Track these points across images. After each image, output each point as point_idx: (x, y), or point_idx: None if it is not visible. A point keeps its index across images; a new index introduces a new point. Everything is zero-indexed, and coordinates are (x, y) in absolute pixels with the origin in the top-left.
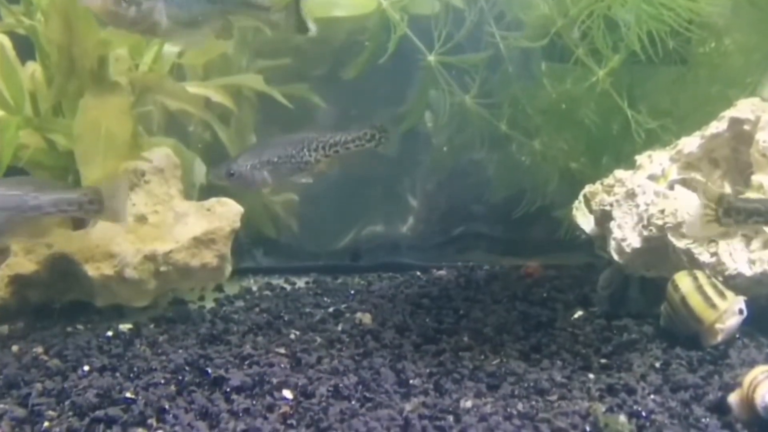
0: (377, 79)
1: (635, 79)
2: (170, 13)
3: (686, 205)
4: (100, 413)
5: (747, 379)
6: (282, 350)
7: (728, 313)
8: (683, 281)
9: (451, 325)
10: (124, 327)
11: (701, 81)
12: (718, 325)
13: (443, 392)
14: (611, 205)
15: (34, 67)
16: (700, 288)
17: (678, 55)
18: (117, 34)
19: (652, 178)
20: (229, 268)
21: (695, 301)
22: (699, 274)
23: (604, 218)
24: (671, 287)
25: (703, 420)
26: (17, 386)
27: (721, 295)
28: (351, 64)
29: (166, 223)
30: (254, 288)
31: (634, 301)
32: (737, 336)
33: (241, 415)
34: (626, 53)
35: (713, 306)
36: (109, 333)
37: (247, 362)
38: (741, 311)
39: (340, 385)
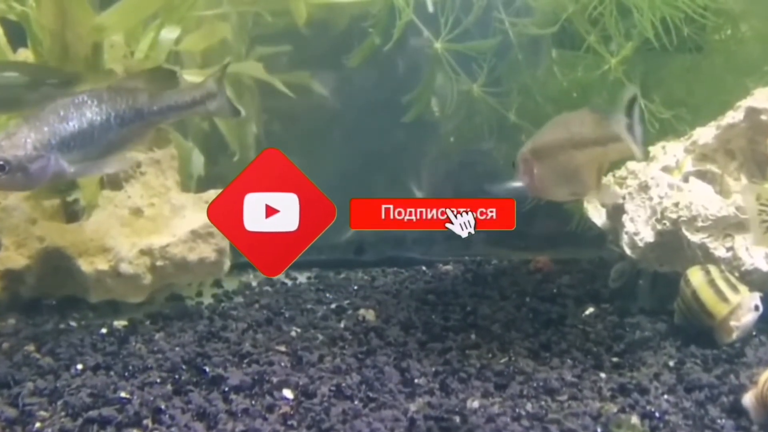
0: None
1: (649, 68)
2: (72, 159)
3: (701, 198)
4: (93, 413)
5: (762, 378)
6: (282, 348)
7: (743, 309)
8: (695, 275)
9: (458, 322)
10: (119, 324)
11: (717, 69)
12: (732, 322)
13: (449, 392)
14: (624, 197)
15: (25, 54)
16: (711, 282)
17: (693, 43)
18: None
19: (666, 169)
20: (227, 263)
21: (707, 296)
22: (712, 268)
23: (616, 211)
24: (683, 282)
25: (719, 421)
26: (8, 385)
27: (734, 288)
28: (354, 52)
29: (163, 216)
30: (254, 283)
31: (647, 298)
32: (754, 333)
33: (239, 415)
34: (639, 40)
35: (725, 300)
36: (104, 330)
37: (246, 360)
38: (757, 307)
39: (343, 384)
